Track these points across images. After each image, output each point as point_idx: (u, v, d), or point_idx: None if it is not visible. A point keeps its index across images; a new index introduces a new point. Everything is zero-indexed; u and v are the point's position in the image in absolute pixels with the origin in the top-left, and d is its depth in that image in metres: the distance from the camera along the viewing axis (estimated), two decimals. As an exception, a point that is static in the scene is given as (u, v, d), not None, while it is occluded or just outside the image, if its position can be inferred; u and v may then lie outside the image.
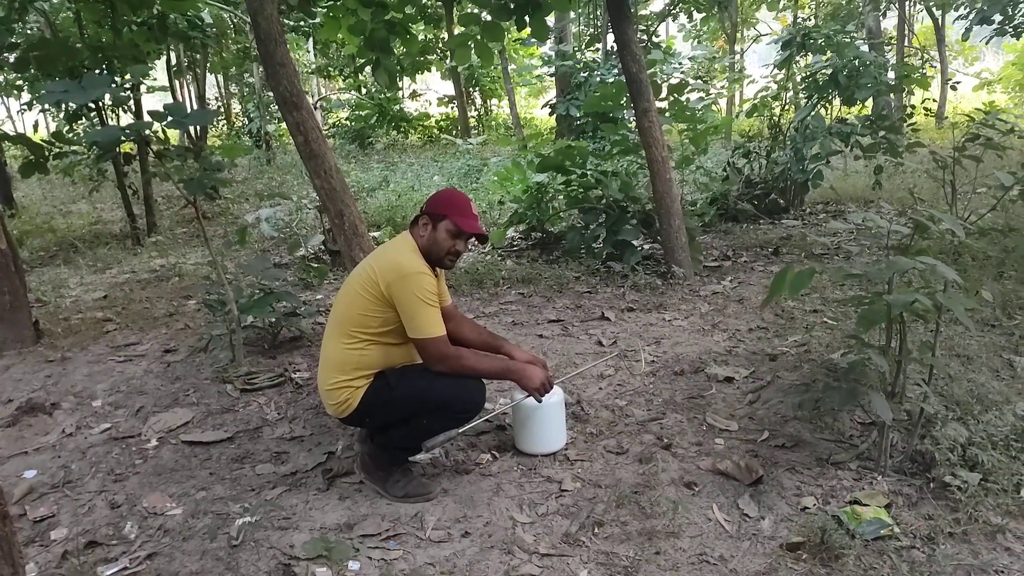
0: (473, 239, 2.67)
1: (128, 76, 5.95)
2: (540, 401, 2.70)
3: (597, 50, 16.12)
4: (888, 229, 2.34)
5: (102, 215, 10.28)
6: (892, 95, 8.36)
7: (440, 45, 16.46)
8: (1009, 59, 19.34)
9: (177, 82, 14.97)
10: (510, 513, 2.55)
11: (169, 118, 3.52)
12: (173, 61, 12.72)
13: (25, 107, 8.84)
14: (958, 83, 10.48)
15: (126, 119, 7.95)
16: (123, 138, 3.53)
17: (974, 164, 4.26)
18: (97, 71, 6.71)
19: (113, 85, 3.65)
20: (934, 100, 8.98)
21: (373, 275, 2.51)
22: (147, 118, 3.53)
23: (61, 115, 7.58)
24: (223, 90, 20.46)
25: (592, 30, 19.33)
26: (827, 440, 2.85)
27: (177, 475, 3.02)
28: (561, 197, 6.64)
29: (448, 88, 21.05)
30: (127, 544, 2.55)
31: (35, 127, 10.28)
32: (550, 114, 15.35)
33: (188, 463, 3.11)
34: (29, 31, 9.55)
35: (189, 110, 3.71)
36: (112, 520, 2.70)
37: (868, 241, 2.66)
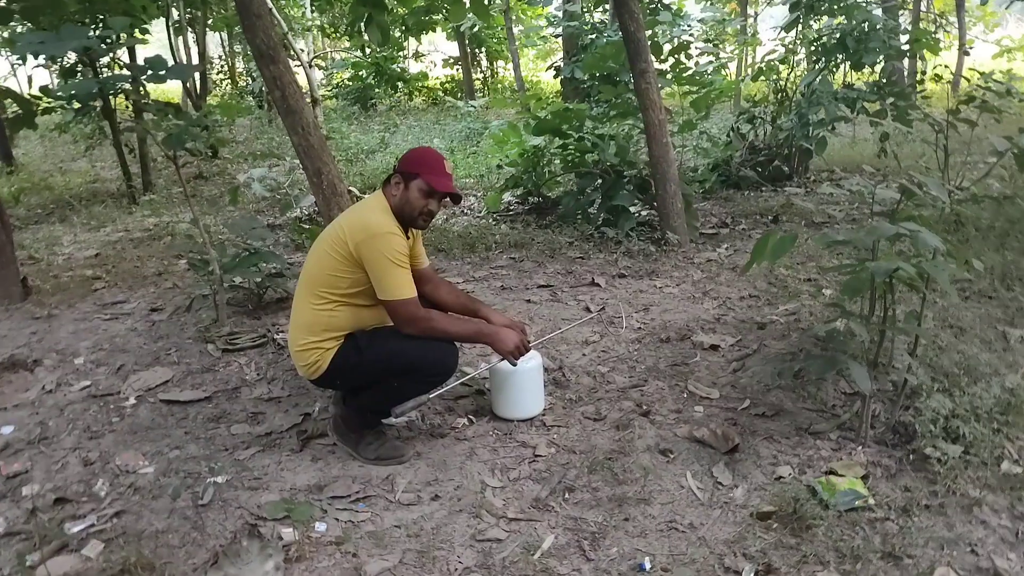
0: (447, 199, 2.59)
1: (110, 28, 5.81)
2: (515, 365, 2.65)
3: (606, 11, 15.79)
4: (873, 192, 2.25)
5: (100, 173, 10.21)
6: (905, 61, 8.13)
7: (444, 5, 16.14)
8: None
9: (180, 40, 14.79)
10: (481, 477, 2.51)
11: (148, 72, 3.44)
12: (176, 17, 12.53)
13: (20, 61, 8.72)
14: (971, 48, 10.19)
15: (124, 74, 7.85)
16: (98, 92, 3.44)
17: (970, 129, 4.12)
18: (90, 25, 6.59)
19: (93, 37, 3.52)
20: (946, 67, 8.73)
21: (342, 234, 2.44)
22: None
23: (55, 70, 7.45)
24: (227, 48, 20.18)
25: (600, -10, 18.91)
26: (809, 410, 2.79)
27: (152, 433, 2.99)
28: (557, 161, 6.52)
29: (454, 49, 20.71)
30: (96, 501, 2.54)
31: (29, 81, 10.15)
32: (555, 76, 15.09)
33: (164, 422, 3.09)
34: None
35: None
36: (84, 477, 2.69)
37: (857, 206, 2.56)
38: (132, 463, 2.79)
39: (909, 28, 9.60)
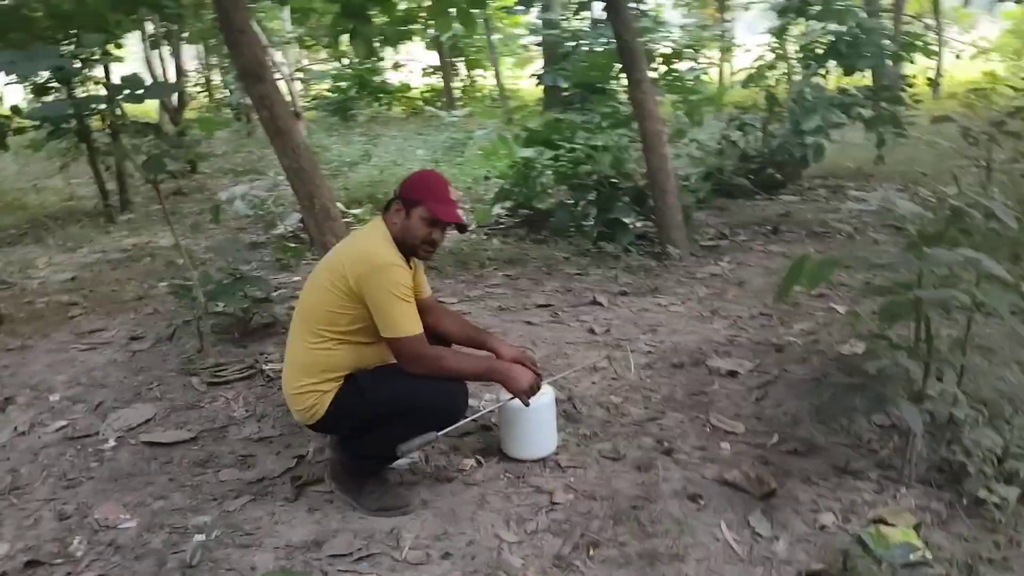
0: (452, 227, 2.40)
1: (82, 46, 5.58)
2: (527, 405, 2.45)
3: (585, 19, 15.68)
4: (916, 214, 2.08)
5: (76, 191, 9.89)
6: (892, 64, 8.07)
7: (423, 14, 15.97)
8: (1006, 26, 19.02)
9: (156, 53, 14.48)
10: (495, 530, 2.30)
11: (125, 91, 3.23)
12: (151, 31, 12.22)
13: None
14: (962, 51, 10.20)
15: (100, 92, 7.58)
16: (72, 113, 3.22)
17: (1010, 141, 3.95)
18: (64, 42, 6.33)
19: (65, 56, 3.31)
20: (935, 70, 8.71)
21: (341, 267, 2.24)
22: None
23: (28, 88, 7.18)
24: (203, 61, 19.85)
25: (581, -3, 18.83)
26: (843, 445, 2.62)
27: (134, 481, 2.76)
28: (549, 173, 6.35)
29: (432, 58, 20.53)
30: (73, 564, 2.30)
31: (-1, 100, 9.84)
32: (536, 84, 14.96)
33: (147, 467, 2.86)
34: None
35: (149, 83, 3.40)
36: (59, 534, 2.45)
37: (872, 219, 2.40)
38: (112, 516, 2.56)
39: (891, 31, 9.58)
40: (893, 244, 4.89)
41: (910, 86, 7.39)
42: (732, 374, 3.27)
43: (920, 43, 6.85)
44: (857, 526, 2.16)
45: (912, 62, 7.98)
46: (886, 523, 2.10)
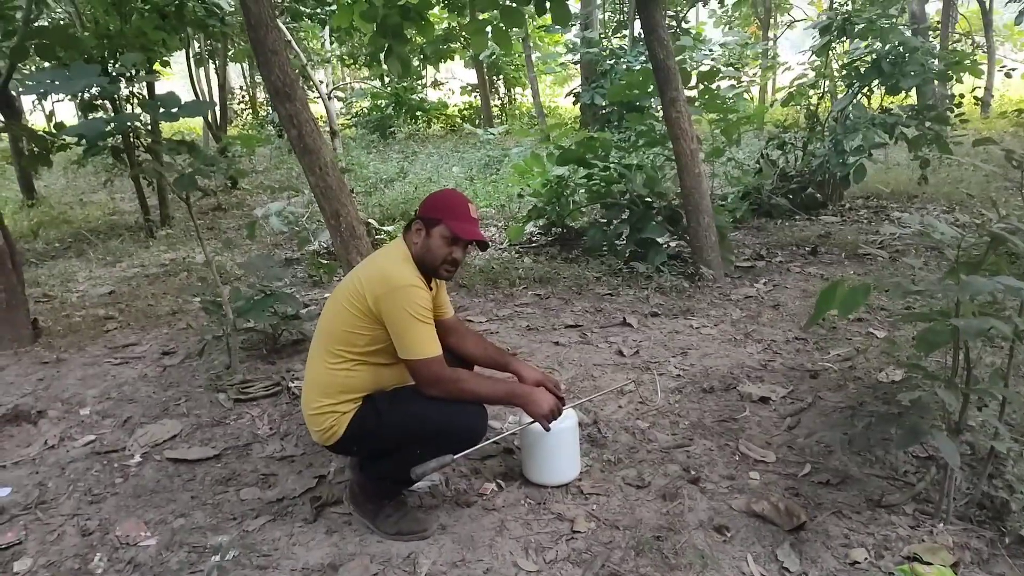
0: (473, 245, 2.36)
1: (123, 64, 5.73)
2: (548, 429, 2.39)
3: (624, 37, 15.69)
4: (956, 238, 1.98)
5: (119, 205, 10.17)
6: (937, 83, 7.87)
7: (463, 33, 16.16)
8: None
9: (201, 71, 14.86)
10: (514, 558, 2.24)
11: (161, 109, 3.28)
12: (196, 49, 12.55)
13: (41, 96, 8.70)
14: (1013, 70, 9.90)
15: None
16: (109, 131, 3.28)
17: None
18: (109, 61, 6.52)
19: (106, 75, 3.38)
20: (984, 88, 8.47)
21: (360, 288, 2.22)
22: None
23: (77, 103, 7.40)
24: (248, 79, 20.33)
25: (619, 16, 18.86)
26: (877, 476, 2.50)
27: (157, 498, 2.77)
28: (582, 191, 6.30)
29: (471, 77, 20.72)
30: (93, 580, 2.31)
31: (50, 116, 10.19)
32: (574, 103, 14.98)
33: (170, 483, 2.87)
34: (54, 18, 9.42)
35: (184, 101, 3.45)
36: (81, 551, 2.46)
37: (915, 241, 2.30)
38: (133, 534, 2.56)
39: (937, 50, 9.36)
40: (936, 269, 4.73)
41: (957, 105, 7.17)
42: (764, 400, 3.17)
43: (968, 61, 6.64)
44: (891, 563, 2.05)
45: (960, 81, 7.78)
46: (921, 561, 1.99)
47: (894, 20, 7.01)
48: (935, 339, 2.07)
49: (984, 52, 14.68)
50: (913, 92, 7.80)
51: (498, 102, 20.88)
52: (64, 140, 4.40)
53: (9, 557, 2.44)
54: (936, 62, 6.84)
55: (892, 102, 7.39)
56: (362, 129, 16.91)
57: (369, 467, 2.43)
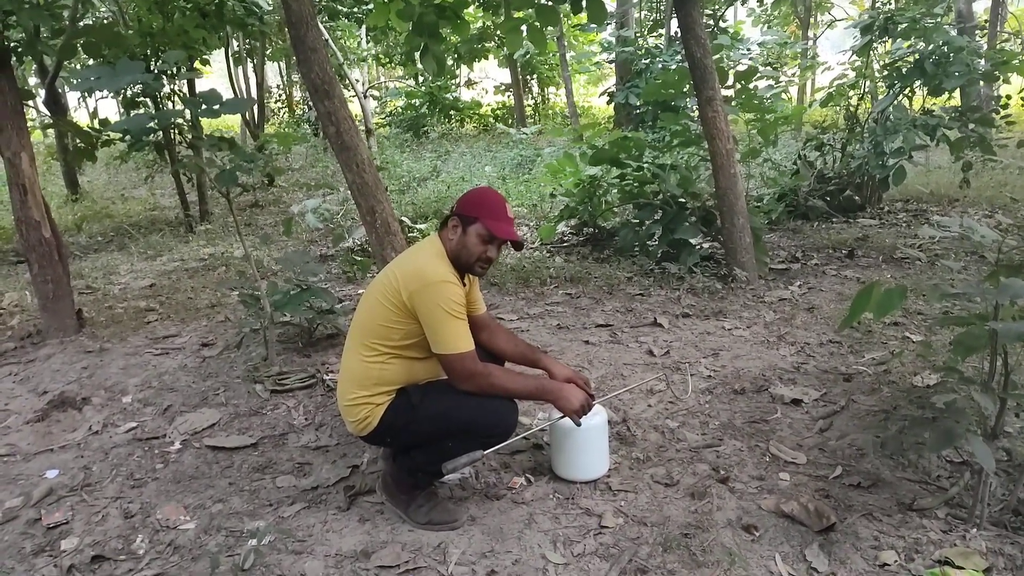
0: (507, 244, 2.40)
1: (165, 62, 5.88)
2: (579, 424, 2.42)
3: (660, 35, 15.59)
4: (997, 241, 1.96)
5: (160, 201, 10.42)
6: (983, 84, 7.69)
7: (497, 32, 16.19)
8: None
9: (240, 69, 15.11)
10: (542, 551, 2.27)
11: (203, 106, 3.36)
12: (235, 48, 12.79)
13: (87, 92, 8.95)
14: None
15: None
16: (153, 126, 3.38)
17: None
18: (152, 59, 6.69)
19: (147, 72, 3.47)
20: (1028, 89, 8.29)
21: (395, 283, 2.26)
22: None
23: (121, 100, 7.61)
24: (285, 78, 20.62)
25: (655, 15, 18.76)
26: (910, 480, 2.48)
27: (196, 483, 2.85)
28: (615, 191, 6.30)
29: (506, 76, 20.77)
30: (135, 560, 2.39)
31: (94, 113, 10.47)
32: (608, 102, 14.93)
33: (209, 470, 2.95)
34: (98, 17, 9.67)
35: (225, 98, 3.54)
36: (123, 532, 2.55)
37: (954, 245, 2.27)
38: (173, 517, 2.64)
39: (984, 50, 9.15)
40: (976, 273, 4.64)
41: (1004, 107, 6.99)
42: (796, 403, 3.15)
43: (1016, 61, 6.48)
44: (921, 566, 2.04)
45: (1007, 82, 7.59)
46: (953, 565, 1.98)
47: (939, 19, 6.87)
48: (973, 343, 2.05)
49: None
50: (957, 93, 7.65)
51: (531, 101, 20.89)
52: (109, 136, 4.53)
53: (57, 536, 2.54)
54: (982, 62, 6.69)
55: (935, 103, 7.25)
56: (396, 128, 17.06)
57: (402, 458, 2.48)
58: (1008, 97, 6.89)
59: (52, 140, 12.76)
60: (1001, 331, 1.80)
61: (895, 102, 6.78)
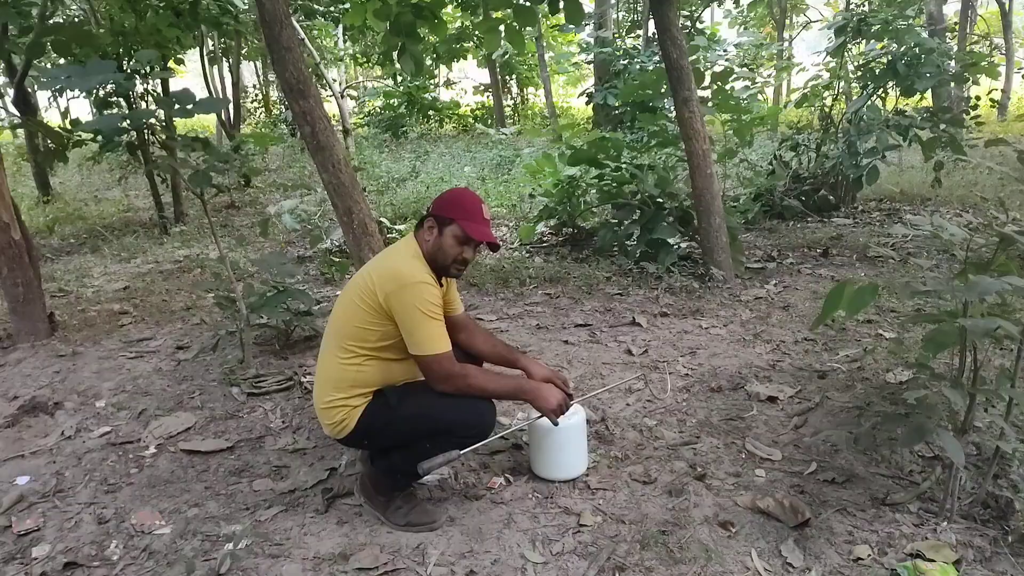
0: (484, 245, 2.40)
1: (138, 61, 5.81)
2: (556, 424, 2.43)
3: (638, 36, 15.68)
4: (964, 239, 2.00)
5: (134, 202, 10.27)
6: (953, 85, 7.82)
7: (476, 32, 16.20)
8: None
9: (215, 69, 14.97)
10: (521, 550, 2.28)
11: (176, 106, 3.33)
12: (210, 47, 12.66)
13: (57, 92, 8.81)
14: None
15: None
16: (125, 126, 3.34)
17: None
18: (124, 58, 6.60)
19: (121, 71, 3.43)
20: (1001, 91, 8.42)
21: (371, 284, 2.25)
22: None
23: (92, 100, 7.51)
24: (261, 77, 20.46)
25: (633, 16, 18.85)
26: (883, 476, 2.52)
27: (171, 488, 2.82)
28: (593, 192, 6.32)
29: (485, 76, 20.76)
30: (109, 567, 2.36)
31: (65, 112, 10.32)
32: (587, 103, 14.99)
33: (184, 474, 2.92)
34: (68, 15, 9.53)
35: (199, 98, 3.51)
36: (97, 538, 2.51)
37: (926, 244, 2.31)
38: (148, 522, 2.61)
39: (955, 51, 9.31)
40: (947, 271, 4.72)
41: (973, 108, 7.13)
42: (772, 400, 3.19)
43: (985, 63, 6.60)
44: (894, 560, 2.07)
45: (976, 83, 7.73)
46: (924, 558, 2.01)
47: (911, 21, 6.98)
48: (943, 340, 2.08)
49: (1002, 54, 14.58)
50: (928, 94, 7.77)
51: (510, 102, 20.91)
52: (80, 136, 4.47)
53: (28, 543, 2.49)
54: (953, 64, 6.81)
55: (907, 104, 7.37)
56: (374, 128, 16.98)
57: (379, 460, 2.47)
58: (977, 98, 7.02)
59: (22, 140, 12.55)
60: (970, 327, 1.83)
61: (869, 103, 6.88)
